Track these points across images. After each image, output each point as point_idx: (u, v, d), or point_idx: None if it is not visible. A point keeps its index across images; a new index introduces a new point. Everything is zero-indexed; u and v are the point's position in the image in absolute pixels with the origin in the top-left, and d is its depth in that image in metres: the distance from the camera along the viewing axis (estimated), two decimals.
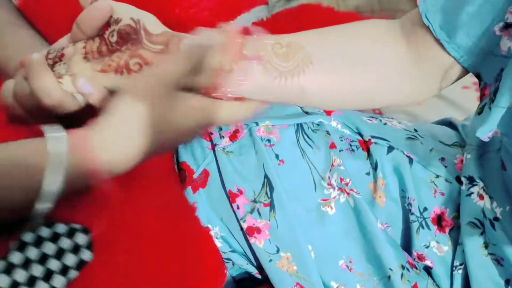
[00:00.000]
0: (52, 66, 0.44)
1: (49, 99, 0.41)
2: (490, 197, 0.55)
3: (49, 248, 0.39)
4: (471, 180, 0.57)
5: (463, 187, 0.57)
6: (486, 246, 0.55)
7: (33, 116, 0.43)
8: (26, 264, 0.38)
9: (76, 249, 0.40)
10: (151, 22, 0.45)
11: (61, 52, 0.44)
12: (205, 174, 0.59)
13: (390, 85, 0.52)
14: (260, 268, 0.60)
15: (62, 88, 0.42)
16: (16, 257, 0.38)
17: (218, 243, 0.59)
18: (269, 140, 0.59)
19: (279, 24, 0.75)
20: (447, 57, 0.50)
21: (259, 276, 0.62)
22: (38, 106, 0.42)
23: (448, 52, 0.49)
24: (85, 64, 0.44)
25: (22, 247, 0.38)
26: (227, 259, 0.61)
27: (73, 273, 0.40)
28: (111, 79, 0.44)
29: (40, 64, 0.42)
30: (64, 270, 0.39)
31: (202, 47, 0.43)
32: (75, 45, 0.44)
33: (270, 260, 0.57)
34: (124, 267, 0.41)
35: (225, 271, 0.61)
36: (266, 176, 0.57)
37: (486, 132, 0.47)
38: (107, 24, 0.45)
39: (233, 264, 0.62)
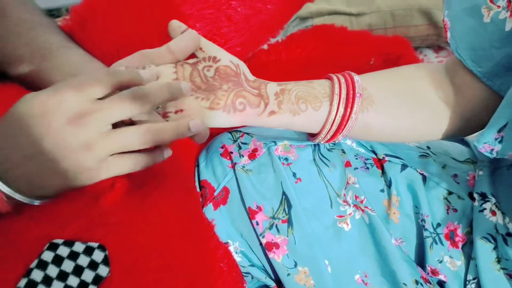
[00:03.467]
0: None
1: None
2: (503, 213, 0.56)
3: (68, 265, 0.41)
4: (483, 197, 0.58)
5: (476, 203, 0.58)
6: (499, 261, 0.55)
7: None
8: (47, 281, 0.40)
9: (93, 265, 0.42)
10: (246, 69, 0.50)
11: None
12: (226, 191, 0.61)
13: (439, 124, 0.56)
14: (278, 281, 0.61)
15: None
16: (37, 275, 0.40)
17: (238, 258, 0.61)
18: (286, 159, 0.60)
19: (294, 45, 0.77)
20: (487, 90, 0.53)
21: None
22: None
23: (485, 83, 0.52)
24: (193, 101, 0.46)
25: (42, 265, 0.40)
26: (246, 273, 0.63)
27: None
28: (219, 116, 0.47)
29: None
30: (83, 286, 0.41)
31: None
32: (163, 68, 0.47)
33: (288, 274, 0.58)
34: (155, 284, 0.43)
35: (244, 284, 0.63)
36: (284, 194, 0.58)
37: (481, 142, 0.49)
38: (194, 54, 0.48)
39: (252, 278, 0.63)
